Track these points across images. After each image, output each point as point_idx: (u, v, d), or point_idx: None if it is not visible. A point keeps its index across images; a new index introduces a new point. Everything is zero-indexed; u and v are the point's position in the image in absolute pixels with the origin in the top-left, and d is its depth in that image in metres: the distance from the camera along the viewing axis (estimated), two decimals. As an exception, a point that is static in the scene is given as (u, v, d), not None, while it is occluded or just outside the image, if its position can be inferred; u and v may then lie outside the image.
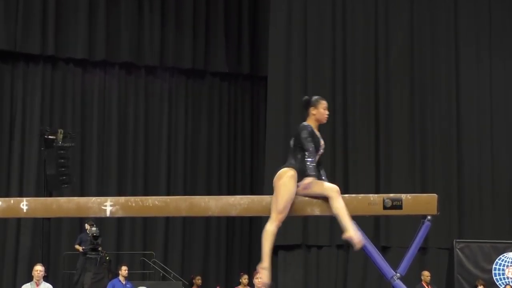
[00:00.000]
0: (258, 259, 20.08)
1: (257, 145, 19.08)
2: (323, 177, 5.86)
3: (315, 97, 5.97)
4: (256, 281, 9.66)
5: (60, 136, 15.46)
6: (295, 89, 17.34)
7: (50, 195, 14.47)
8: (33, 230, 16.86)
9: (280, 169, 5.76)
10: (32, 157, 17.31)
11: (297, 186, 5.70)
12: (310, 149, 5.70)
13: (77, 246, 15.00)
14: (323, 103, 5.92)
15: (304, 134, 5.75)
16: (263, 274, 5.77)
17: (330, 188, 5.67)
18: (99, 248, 14.25)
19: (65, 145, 15.55)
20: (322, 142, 5.88)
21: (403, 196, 5.68)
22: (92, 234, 14.17)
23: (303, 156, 5.72)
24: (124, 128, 18.32)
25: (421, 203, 5.69)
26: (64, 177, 15.45)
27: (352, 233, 5.66)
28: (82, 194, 16.55)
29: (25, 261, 16.64)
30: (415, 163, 17.29)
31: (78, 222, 16.50)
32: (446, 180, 17.22)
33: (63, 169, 15.42)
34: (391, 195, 5.70)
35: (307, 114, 5.94)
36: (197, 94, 19.02)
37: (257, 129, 19.25)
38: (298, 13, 17.60)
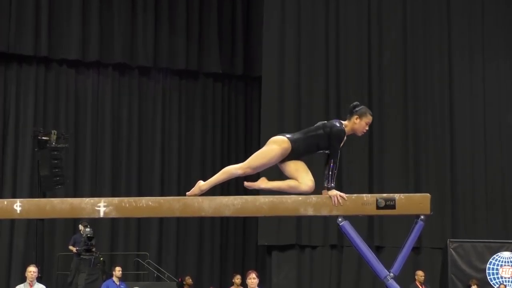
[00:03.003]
0: (252, 259, 20.11)
1: (251, 145, 19.07)
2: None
3: (364, 108, 5.81)
4: (249, 281, 9.65)
5: (54, 137, 15.45)
6: (289, 90, 17.37)
7: (44, 196, 14.44)
8: (27, 231, 16.84)
9: (283, 135, 5.76)
10: (25, 158, 17.29)
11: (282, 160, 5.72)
12: (337, 161, 5.67)
13: (71, 247, 14.99)
14: (369, 118, 5.79)
15: (339, 141, 5.68)
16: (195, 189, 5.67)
17: (306, 180, 5.68)
18: (93, 249, 14.25)
19: (59, 146, 15.53)
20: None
21: (397, 196, 5.69)
22: (86, 235, 14.17)
23: (309, 141, 5.70)
24: (117, 129, 18.31)
25: (414, 203, 5.69)
26: (57, 178, 15.43)
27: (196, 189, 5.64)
28: (75, 195, 16.54)
29: (19, 262, 16.63)
30: (409, 163, 17.31)
31: (72, 223, 16.50)
32: (440, 179, 17.25)
33: (56, 170, 15.40)
34: (384, 195, 5.70)
35: (348, 118, 5.81)
36: (191, 94, 19.02)
37: (250, 130, 19.26)
38: (292, 13, 17.62)
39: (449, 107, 17.59)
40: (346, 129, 5.76)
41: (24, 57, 17.53)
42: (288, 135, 5.76)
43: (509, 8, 17.94)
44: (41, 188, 15.34)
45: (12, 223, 16.84)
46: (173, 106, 18.83)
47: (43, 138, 15.37)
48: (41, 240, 15.63)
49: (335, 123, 5.75)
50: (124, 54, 18.13)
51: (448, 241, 16.53)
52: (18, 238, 17.04)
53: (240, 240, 18.90)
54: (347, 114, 5.84)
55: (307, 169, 5.81)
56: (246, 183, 5.82)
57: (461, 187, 17.37)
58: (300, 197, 5.72)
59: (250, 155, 19.36)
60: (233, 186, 18.70)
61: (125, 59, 18.18)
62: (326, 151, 5.78)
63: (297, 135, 5.77)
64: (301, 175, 5.74)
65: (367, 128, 5.83)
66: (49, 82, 17.94)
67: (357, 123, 5.77)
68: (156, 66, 18.54)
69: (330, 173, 5.66)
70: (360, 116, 5.78)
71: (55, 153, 15.42)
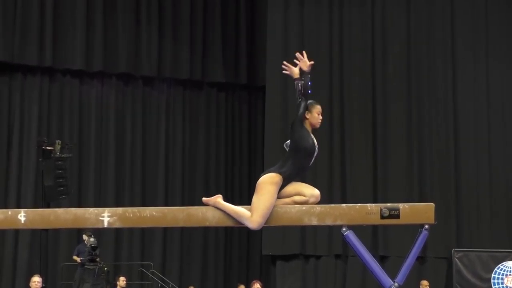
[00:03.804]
0: (256, 269, 20.10)
1: (255, 155, 19.09)
2: None
3: (309, 101, 5.92)
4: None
5: (58, 147, 15.46)
6: (293, 99, 17.32)
7: (48, 206, 14.47)
8: (31, 241, 16.84)
9: (268, 171, 5.77)
10: (29, 168, 17.30)
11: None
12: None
13: (75, 257, 14.99)
14: (317, 108, 5.90)
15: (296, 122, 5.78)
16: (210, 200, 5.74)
17: (312, 192, 5.74)
18: (97, 259, 14.25)
19: (63, 156, 15.54)
20: (316, 145, 5.86)
21: (401, 205, 5.68)
22: (90, 245, 14.18)
23: (294, 161, 5.74)
24: (121, 139, 18.32)
25: (418, 212, 5.68)
26: (62, 188, 15.44)
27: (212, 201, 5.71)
28: (80, 205, 16.53)
29: (23, 272, 16.62)
30: (413, 172, 17.29)
31: (76, 233, 16.49)
32: (444, 189, 17.21)
33: (61, 180, 15.41)
34: (389, 204, 5.69)
35: None
36: (195, 104, 19.03)
37: (254, 140, 19.26)
38: (296, 23, 17.66)
39: (453, 115, 17.56)
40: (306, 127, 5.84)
41: (29, 67, 17.57)
42: (272, 169, 5.76)
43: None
44: (45, 198, 15.35)
45: (16, 233, 16.84)
46: (177, 116, 18.84)
47: (48, 148, 15.38)
48: (45, 250, 15.63)
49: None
50: (128, 64, 18.16)
51: (452, 251, 16.50)
52: (22, 248, 17.04)
53: (244, 250, 18.87)
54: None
55: (304, 183, 5.84)
56: (204, 199, 5.82)
57: (466, 196, 17.33)
58: (304, 207, 5.72)
59: (254, 164, 19.36)
60: (237, 195, 18.74)
61: (129, 69, 18.20)
62: (315, 154, 5.83)
63: (278, 164, 5.79)
64: (303, 190, 5.75)
65: (321, 117, 5.91)
66: (53, 92, 17.97)
67: (310, 118, 5.86)
68: (160, 76, 18.56)
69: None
70: (309, 110, 5.88)
71: (60, 163, 15.43)
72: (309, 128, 5.86)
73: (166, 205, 16.87)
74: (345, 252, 16.83)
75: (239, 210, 5.70)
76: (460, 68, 17.67)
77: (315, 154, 5.86)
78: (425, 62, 17.67)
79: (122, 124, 18.39)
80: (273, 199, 5.67)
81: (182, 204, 17.07)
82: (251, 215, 5.64)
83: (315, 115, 5.89)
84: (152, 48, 18.29)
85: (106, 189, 17.97)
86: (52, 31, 17.47)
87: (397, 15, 17.72)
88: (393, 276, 5.70)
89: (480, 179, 17.40)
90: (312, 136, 5.86)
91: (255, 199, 5.67)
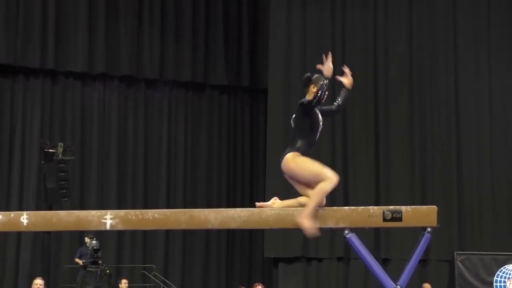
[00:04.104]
0: (258, 271, 20.04)
1: (257, 157, 19.09)
2: None
3: (316, 75, 5.95)
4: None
5: (60, 149, 15.47)
6: (295, 102, 17.34)
7: (50, 209, 14.46)
8: (33, 244, 16.85)
9: (284, 154, 5.76)
10: (32, 170, 17.31)
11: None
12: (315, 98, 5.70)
13: (77, 260, 15.00)
14: (325, 82, 5.89)
15: (304, 104, 5.76)
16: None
17: (329, 175, 5.65)
18: (99, 262, 14.25)
19: (65, 158, 15.55)
20: (321, 119, 5.85)
21: (403, 208, 5.68)
22: (92, 247, 14.18)
23: (301, 137, 5.75)
24: (123, 141, 18.33)
25: (421, 215, 5.68)
26: (64, 191, 15.45)
27: (307, 222, 5.65)
28: (82, 207, 16.55)
29: (25, 275, 16.62)
30: (415, 175, 17.28)
31: (78, 236, 16.49)
32: (446, 190, 17.20)
33: (63, 182, 15.42)
34: (391, 207, 5.69)
35: (307, 91, 5.94)
36: (197, 107, 19.04)
37: (256, 142, 19.26)
38: (298, 25, 17.66)
39: (455, 118, 17.55)
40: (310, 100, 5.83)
41: (31, 69, 17.59)
42: (287, 151, 5.77)
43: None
44: (47, 201, 15.35)
45: (18, 235, 16.85)
46: (179, 118, 18.85)
47: (50, 150, 15.39)
48: (48, 252, 15.63)
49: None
50: (130, 67, 18.17)
51: (455, 254, 16.48)
52: (24, 250, 17.04)
53: (246, 252, 18.86)
54: (304, 89, 5.95)
55: (319, 163, 5.80)
56: (257, 204, 5.81)
57: (468, 199, 17.31)
58: (307, 210, 5.71)
59: (256, 167, 19.27)
60: (239, 198, 18.74)
61: (131, 72, 18.22)
62: (320, 128, 5.85)
63: (292, 144, 5.78)
64: (310, 192, 5.72)
65: (326, 92, 5.87)
66: (56, 95, 17.98)
67: (315, 91, 5.84)
68: (162, 78, 18.57)
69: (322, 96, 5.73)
70: (316, 83, 5.89)
71: (62, 165, 15.44)
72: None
73: (168, 207, 16.87)
74: (347, 255, 16.81)
75: (316, 189, 5.61)
76: (462, 69, 17.67)
77: (319, 129, 5.86)
78: (427, 63, 17.67)
79: (124, 126, 18.40)
80: (312, 160, 5.69)
81: (184, 206, 17.07)
82: (323, 180, 5.59)
83: None
84: (154, 50, 18.31)
85: (108, 191, 17.97)
86: (54, 34, 17.48)
87: (399, 16, 17.73)
88: (395, 279, 5.69)
89: (482, 181, 17.39)
90: (317, 110, 5.87)
91: (307, 172, 5.66)
